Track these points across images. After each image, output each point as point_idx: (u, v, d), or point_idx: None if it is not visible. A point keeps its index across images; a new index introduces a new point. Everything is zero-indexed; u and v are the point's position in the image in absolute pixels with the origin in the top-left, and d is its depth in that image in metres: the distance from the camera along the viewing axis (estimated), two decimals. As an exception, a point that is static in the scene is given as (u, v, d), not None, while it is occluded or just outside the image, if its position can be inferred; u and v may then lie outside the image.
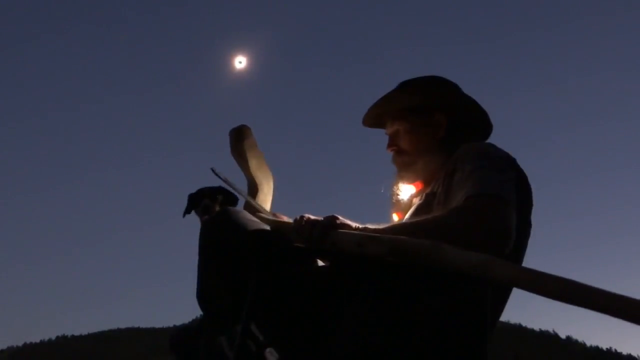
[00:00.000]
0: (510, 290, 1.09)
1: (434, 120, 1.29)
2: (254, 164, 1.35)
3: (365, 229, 1.00)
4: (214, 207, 1.57)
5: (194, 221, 1.68)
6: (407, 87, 1.32)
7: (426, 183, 1.26)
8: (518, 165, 1.08)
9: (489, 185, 0.96)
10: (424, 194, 1.19)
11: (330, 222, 0.99)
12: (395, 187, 1.32)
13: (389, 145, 1.34)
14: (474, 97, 1.30)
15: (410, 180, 1.29)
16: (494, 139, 1.34)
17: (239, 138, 1.32)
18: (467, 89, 1.32)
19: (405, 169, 1.31)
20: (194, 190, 1.69)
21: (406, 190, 1.30)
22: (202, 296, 1.09)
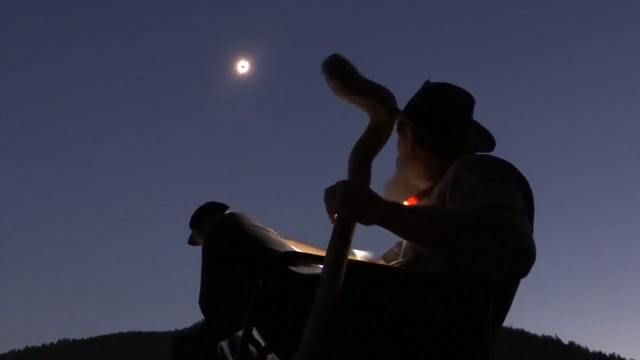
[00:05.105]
0: (512, 297, 1.09)
1: (406, 134, 1.31)
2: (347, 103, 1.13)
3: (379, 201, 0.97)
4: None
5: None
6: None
7: (418, 197, 1.26)
8: (519, 172, 1.07)
9: (505, 198, 0.92)
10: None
11: (331, 204, 1.00)
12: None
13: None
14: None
15: (401, 195, 1.28)
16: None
17: (328, 76, 1.08)
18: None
19: (397, 179, 1.32)
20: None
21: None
22: (205, 301, 1.08)
